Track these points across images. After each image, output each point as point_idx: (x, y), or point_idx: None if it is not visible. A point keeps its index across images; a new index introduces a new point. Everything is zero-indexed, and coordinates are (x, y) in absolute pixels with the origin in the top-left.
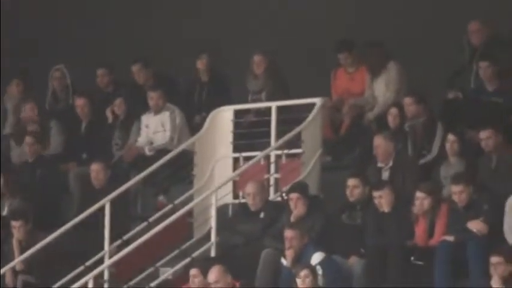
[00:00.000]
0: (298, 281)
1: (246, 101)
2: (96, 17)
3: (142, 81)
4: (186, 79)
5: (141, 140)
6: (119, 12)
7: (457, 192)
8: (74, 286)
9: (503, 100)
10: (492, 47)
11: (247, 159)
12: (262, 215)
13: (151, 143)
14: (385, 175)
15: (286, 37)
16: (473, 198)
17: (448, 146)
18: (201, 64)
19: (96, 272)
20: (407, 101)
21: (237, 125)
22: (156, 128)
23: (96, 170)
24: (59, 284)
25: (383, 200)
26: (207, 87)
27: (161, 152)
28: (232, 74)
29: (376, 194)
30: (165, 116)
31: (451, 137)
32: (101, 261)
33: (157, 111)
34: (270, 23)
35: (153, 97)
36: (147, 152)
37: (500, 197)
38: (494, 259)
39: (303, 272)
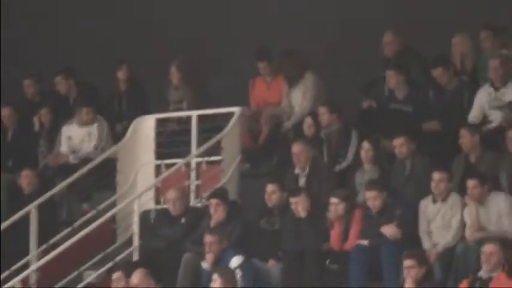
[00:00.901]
0: (215, 284)
1: (167, 110)
2: (23, 27)
3: (64, 91)
4: (107, 89)
5: (64, 150)
6: (44, 21)
7: (371, 198)
8: None
9: (413, 108)
10: (404, 57)
11: (168, 166)
12: (183, 220)
13: (76, 152)
14: (302, 182)
15: (207, 47)
16: (387, 204)
17: (362, 153)
18: (121, 74)
19: (22, 276)
20: (322, 110)
21: (158, 133)
22: (83, 137)
23: (28, 176)
24: None
25: (299, 205)
26: (125, 97)
27: (85, 160)
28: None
29: (292, 200)
30: (94, 127)
31: (365, 144)
32: (27, 265)
33: (85, 124)
34: (190, 33)
35: (82, 112)
36: (72, 160)
37: (412, 202)
38: (407, 262)
39: (214, 276)
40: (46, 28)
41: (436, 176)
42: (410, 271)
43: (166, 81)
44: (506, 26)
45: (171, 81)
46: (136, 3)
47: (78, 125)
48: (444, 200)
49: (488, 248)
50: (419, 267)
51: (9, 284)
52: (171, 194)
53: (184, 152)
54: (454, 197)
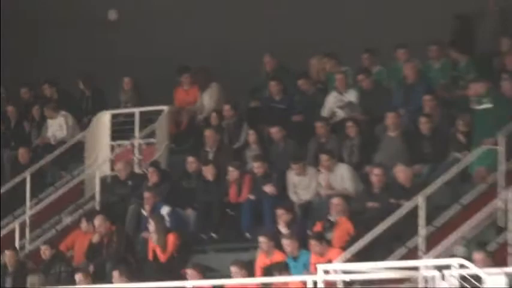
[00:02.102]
0: (152, 225)
1: (119, 108)
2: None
3: (49, 95)
4: (78, 93)
5: (48, 135)
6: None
7: (256, 167)
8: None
9: (285, 106)
10: (278, 71)
11: (119, 146)
12: (129, 182)
13: (55, 137)
14: (210, 156)
15: (147, 66)
16: (267, 171)
17: (250, 137)
18: (82, 85)
19: (20, 220)
20: (225, 107)
21: (113, 123)
22: (56, 127)
23: (23, 152)
24: None
25: (208, 172)
26: (91, 99)
27: (62, 142)
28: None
29: (204, 168)
30: (61, 120)
31: (251, 131)
32: (24, 212)
33: (54, 117)
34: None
35: (48, 109)
36: (52, 142)
37: (284, 170)
38: (279, 211)
39: (150, 220)
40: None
41: (294, 166)
42: (282, 217)
43: (120, 87)
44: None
45: (123, 88)
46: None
47: (51, 118)
48: (303, 175)
49: (335, 201)
50: (288, 214)
51: (11, 226)
52: (120, 165)
53: (130, 136)
54: (311, 170)
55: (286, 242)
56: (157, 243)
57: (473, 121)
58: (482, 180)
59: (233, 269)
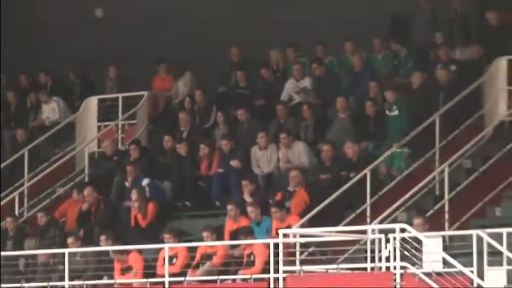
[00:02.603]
0: (134, 195)
1: (105, 93)
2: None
3: (44, 82)
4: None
5: (43, 117)
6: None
7: (224, 144)
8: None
9: (249, 92)
10: (244, 62)
11: (105, 126)
12: (114, 158)
13: (49, 119)
14: (185, 135)
15: (130, 53)
16: (233, 148)
17: (219, 118)
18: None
19: (19, 191)
20: (197, 92)
21: (100, 107)
22: (50, 110)
23: (21, 132)
24: None
25: (182, 149)
26: (80, 85)
27: (55, 123)
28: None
29: (178, 145)
30: (54, 104)
31: (219, 113)
32: (22, 184)
33: (47, 102)
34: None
35: (42, 95)
36: (47, 123)
37: (248, 147)
38: (244, 182)
39: (133, 191)
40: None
41: (260, 135)
42: (246, 187)
43: (106, 75)
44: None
45: (109, 76)
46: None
47: (45, 103)
48: (265, 148)
49: (293, 173)
50: (251, 185)
51: (10, 197)
52: (108, 142)
53: (115, 118)
54: (272, 145)
55: (250, 209)
56: (139, 211)
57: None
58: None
59: (205, 233)
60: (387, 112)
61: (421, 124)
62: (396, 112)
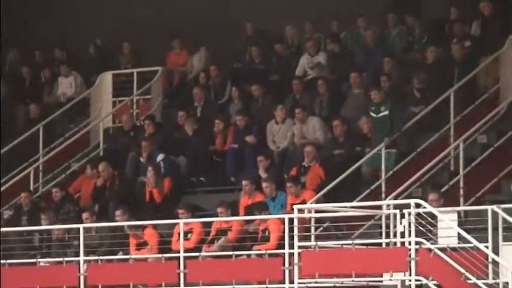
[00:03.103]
0: (148, 172)
1: (119, 69)
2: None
3: (59, 57)
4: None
5: (59, 92)
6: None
7: (239, 119)
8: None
9: (264, 67)
10: (259, 37)
11: (120, 101)
12: (131, 133)
13: (65, 94)
14: (199, 111)
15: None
16: (248, 123)
17: (233, 94)
18: (92, 48)
19: (34, 166)
20: (212, 68)
21: (114, 82)
22: (67, 85)
23: (35, 108)
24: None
25: (188, 127)
26: (96, 61)
27: (70, 98)
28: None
29: (186, 123)
30: (71, 78)
31: (234, 89)
32: (37, 160)
33: (67, 76)
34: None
35: (62, 69)
36: (62, 99)
37: (263, 122)
38: (259, 158)
39: (149, 168)
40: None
41: (279, 107)
42: (261, 163)
43: (120, 51)
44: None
45: (123, 51)
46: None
47: (64, 77)
48: (283, 122)
49: (307, 149)
50: (267, 160)
51: (25, 172)
52: (125, 117)
53: (129, 93)
54: (288, 120)
55: (265, 185)
56: (154, 186)
57: (372, 126)
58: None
59: (219, 209)
60: (372, 114)
61: (436, 99)
62: (385, 113)
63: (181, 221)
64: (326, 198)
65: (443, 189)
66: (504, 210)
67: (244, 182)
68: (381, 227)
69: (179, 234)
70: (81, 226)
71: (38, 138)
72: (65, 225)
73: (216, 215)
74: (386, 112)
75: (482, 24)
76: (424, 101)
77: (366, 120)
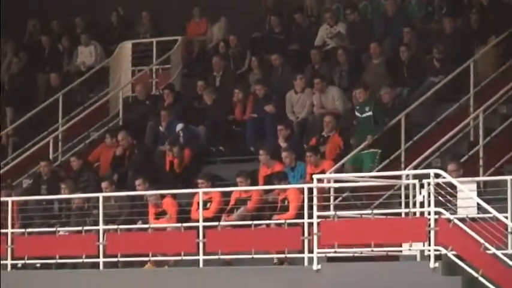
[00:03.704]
0: (168, 140)
1: (139, 38)
2: None
3: (79, 26)
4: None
5: (78, 61)
6: None
7: (258, 89)
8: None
9: (284, 36)
10: (277, 7)
11: (139, 71)
12: (147, 102)
13: (84, 63)
14: (217, 81)
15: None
16: (268, 93)
17: (253, 63)
18: (113, 17)
19: (53, 135)
20: (232, 37)
21: (134, 51)
22: (86, 54)
23: (55, 77)
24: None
25: (207, 97)
26: (116, 30)
27: (90, 67)
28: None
29: (205, 92)
30: (92, 48)
31: (254, 58)
32: (57, 129)
33: (87, 45)
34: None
35: (83, 38)
36: (82, 68)
37: (282, 92)
38: (279, 127)
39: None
40: None
41: (298, 76)
42: (281, 132)
43: (139, 20)
44: None
45: (142, 21)
46: None
47: (84, 46)
48: (302, 92)
49: (327, 118)
50: (286, 130)
51: (45, 141)
52: (139, 87)
53: (149, 63)
54: (307, 90)
55: (285, 154)
56: (174, 156)
57: (355, 127)
58: None
59: (239, 179)
60: (357, 114)
61: (456, 69)
62: (369, 113)
63: (200, 191)
64: (345, 168)
65: (462, 160)
66: None
67: (260, 152)
68: (400, 197)
69: (198, 203)
70: (100, 195)
71: (57, 107)
72: (84, 194)
73: (236, 185)
74: (370, 113)
75: None
76: (443, 71)
77: (388, 89)
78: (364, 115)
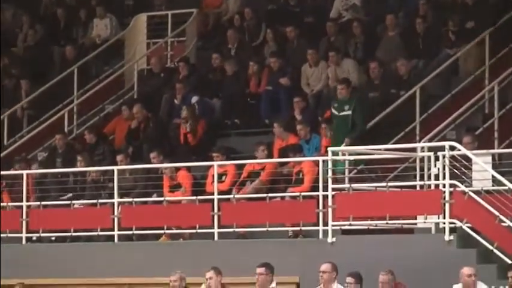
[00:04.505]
0: (183, 113)
1: (154, 10)
2: None
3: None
4: None
5: (94, 33)
6: None
7: (273, 62)
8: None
9: (299, 9)
10: None
11: (154, 43)
12: (162, 75)
13: (99, 36)
14: (233, 52)
15: None
16: (282, 65)
17: (268, 36)
18: None
19: (68, 108)
20: (247, 10)
21: (149, 23)
22: (102, 26)
23: (70, 50)
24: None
25: (228, 66)
26: (133, 2)
27: (105, 40)
28: None
29: (226, 63)
30: (107, 20)
31: (269, 30)
32: (72, 101)
33: (103, 17)
34: None
35: (98, 11)
36: (97, 41)
37: (297, 65)
38: (296, 99)
39: (183, 108)
40: None
41: (310, 51)
42: (298, 104)
43: None
44: None
45: None
46: None
47: (99, 18)
48: (316, 65)
49: (341, 89)
50: (303, 101)
51: (60, 114)
52: (154, 60)
53: (164, 35)
54: (322, 63)
55: (299, 127)
56: (189, 129)
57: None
58: None
59: (261, 147)
60: (334, 111)
61: (472, 41)
62: (348, 112)
63: (215, 163)
64: (360, 141)
65: (477, 132)
66: None
67: (274, 125)
68: (415, 170)
69: (213, 176)
70: (115, 168)
71: (72, 80)
72: (99, 167)
73: (250, 157)
74: (349, 112)
75: None
76: (459, 44)
77: (404, 61)
78: (342, 114)
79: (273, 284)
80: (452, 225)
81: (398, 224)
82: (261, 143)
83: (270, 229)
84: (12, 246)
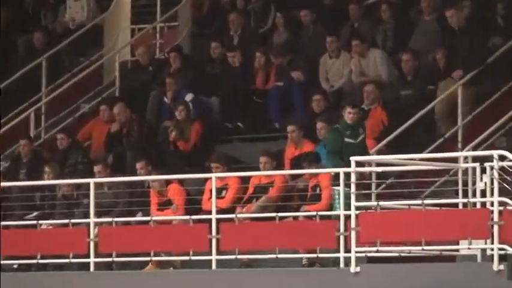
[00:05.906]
0: (177, 113)
1: None
2: None
3: None
4: None
5: (66, 18)
6: None
7: (282, 56)
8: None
9: None
10: None
11: (140, 30)
12: (150, 68)
13: (74, 20)
14: (236, 41)
15: None
16: (292, 58)
17: (277, 20)
18: None
19: (35, 107)
20: None
21: (133, 5)
22: (77, 9)
23: (39, 37)
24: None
25: (235, 58)
26: None
27: (81, 25)
28: None
29: (229, 54)
30: (83, 1)
31: (279, 14)
32: (39, 99)
33: None
34: None
35: None
36: (71, 26)
37: (314, 58)
38: (315, 96)
39: (180, 107)
40: None
41: (329, 39)
42: (319, 102)
43: None
44: None
45: None
46: None
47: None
48: (337, 56)
49: (368, 88)
50: (324, 100)
51: (24, 114)
52: (141, 50)
53: (151, 19)
54: (344, 54)
55: (320, 125)
56: (179, 135)
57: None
58: None
59: (262, 159)
60: (349, 140)
61: None
62: (363, 135)
63: (213, 175)
64: (390, 149)
65: None
66: None
67: (289, 128)
68: (456, 184)
69: (211, 191)
70: (91, 181)
71: (40, 74)
72: (72, 179)
73: (257, 168)
74: (364, 135)
75: None
76: (509, 31)
77: (444, 52)
78: (359, 139)
79: None
80: (503, 252)
81: (437, 250)
82: (264, 153)
83: (279, 256)
84: None
